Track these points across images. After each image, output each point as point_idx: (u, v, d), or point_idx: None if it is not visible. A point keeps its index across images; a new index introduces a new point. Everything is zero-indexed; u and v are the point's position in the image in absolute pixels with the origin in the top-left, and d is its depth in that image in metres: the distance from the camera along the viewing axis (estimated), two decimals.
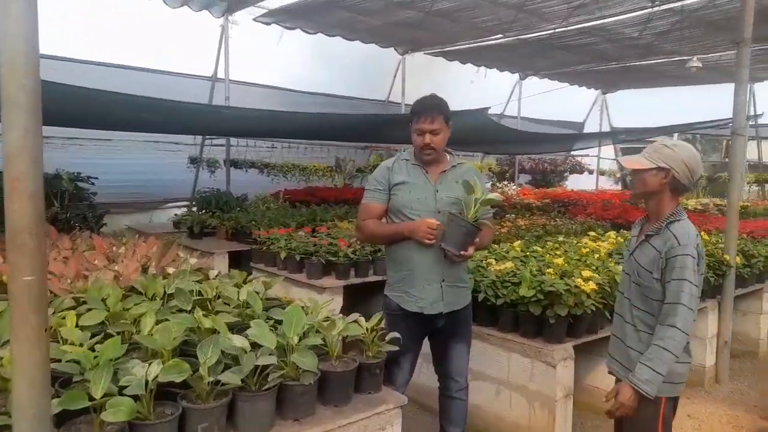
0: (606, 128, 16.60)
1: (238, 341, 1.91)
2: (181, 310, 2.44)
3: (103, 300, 2.44)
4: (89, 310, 2.24)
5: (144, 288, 2.67)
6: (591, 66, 12.94)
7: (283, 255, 4.96)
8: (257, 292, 2.67)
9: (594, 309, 2.99)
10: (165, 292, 2.54)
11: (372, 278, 4.88)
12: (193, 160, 10.11)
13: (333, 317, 2.28)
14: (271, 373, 1.86)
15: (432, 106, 2.57)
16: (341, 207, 8.27)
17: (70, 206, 6.47)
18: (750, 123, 13.41)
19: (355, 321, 2.24)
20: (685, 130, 14.39)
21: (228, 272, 3.68)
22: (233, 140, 10.34)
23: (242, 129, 8.08)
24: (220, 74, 9.93)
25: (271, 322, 2.24)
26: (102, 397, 1.55)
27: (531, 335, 3.06)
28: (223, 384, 1.76)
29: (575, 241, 4.56)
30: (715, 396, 3.96)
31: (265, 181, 10.96)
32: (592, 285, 2.96)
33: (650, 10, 8.80)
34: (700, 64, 11.19)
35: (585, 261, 3.55)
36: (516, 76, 14.46)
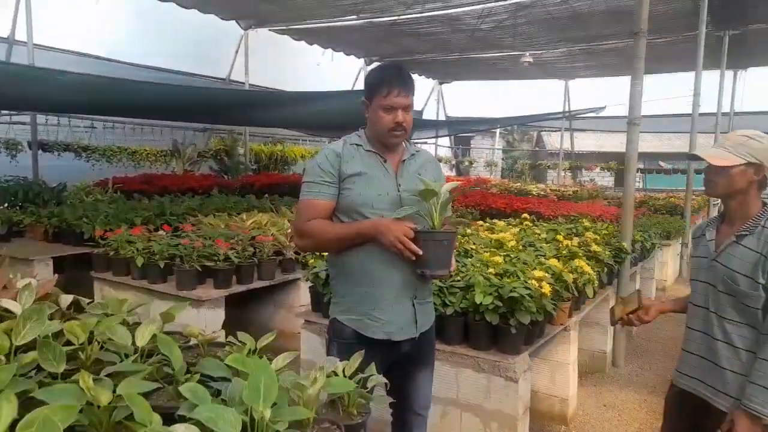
0: (442, 117, 17.26)
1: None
2: (52, 377, 1.58)
3: None
4: None
5: None
6: (433, 56, 13.20)
7: (140, 262, 3.97)
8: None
9: (552, 312, 2.72)
10: (12, 345, 1.63)
11: (257, 284, 4.14)
12: None
13: (314, 373, 1.63)
14: None
15: (407, 78, 2.02)
16: (192, 198, 7.19)
17: None
18: (564, 116, 14.94)
19: (334, 371, 1.62)
20: (523, 122, 15.56)
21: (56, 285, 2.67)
22: (41, 117, 8.47)
23: (53, 99, 6.27)
24: (20, 35, 8.01)
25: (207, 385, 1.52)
26: None
27: (484, 347, 2.69)
28: None
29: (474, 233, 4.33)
30: (619, 380, 4.05)
31: (84, 168, 9.23)
32: (547, 286, 2.69)
33: (493, 4, 9.13)
34: (532, 60, 12.06)
35: (513, 258, 3.29)
36: (361, 61, 14.22)
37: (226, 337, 2.02)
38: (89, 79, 5.72)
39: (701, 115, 7.53)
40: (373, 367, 1.72)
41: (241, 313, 4.49)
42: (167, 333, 2.07)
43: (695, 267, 1.97)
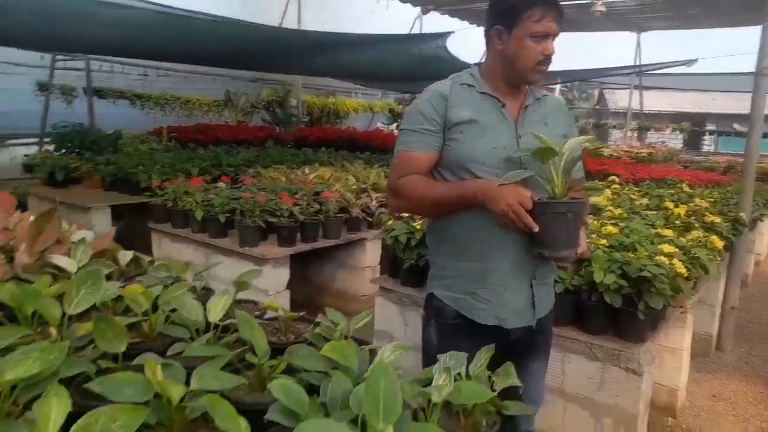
0: None
1: None
2: (111, 357, 1.28)
3: None
4: None
5: (16, 303, 1.43)
6: None
7: (199, 215, 3.70)
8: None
9: (683, 294, 2.28)
10: (64, 315, 1.34)
11: (322, 243, 3.83)
12: (42, 87, 7.95)
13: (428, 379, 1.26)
14: None
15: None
16: (247, 149, 6.92)
17: None
18: (635, 73, 13.88)
19: (470, 375, 1.25)
20: (589, 76, 14.59)
21: (111, 234, 2.35)
22: (95, 63, 8.28)
23: (106, 40, 5.85)
24: None
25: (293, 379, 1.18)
26: None
27: (598, 331, 2.28)
28: None
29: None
30: (726, 367, 3.58)
31: (138, 116, 9.09)
32: (680, 264, 2.24)
33: None
34: (605, 9, 11.08)
35: (624, 228, 2.82)
36: (417, 10, 13.46)
37: (291, 298, 1.72)
38: (142, 13, 5.40)
39: None
40: (485, 352, 1.35)
41: (302, 271, 4.22)
42: (239, 302, 1.77)
43: None
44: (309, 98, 12.19)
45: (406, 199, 1.67)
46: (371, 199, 4.26)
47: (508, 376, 1.29)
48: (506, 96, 1.66)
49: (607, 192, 3.92)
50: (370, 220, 4.16)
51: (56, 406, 0.96)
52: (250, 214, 3.54)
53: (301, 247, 3.66)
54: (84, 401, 0.99)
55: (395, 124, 13.40)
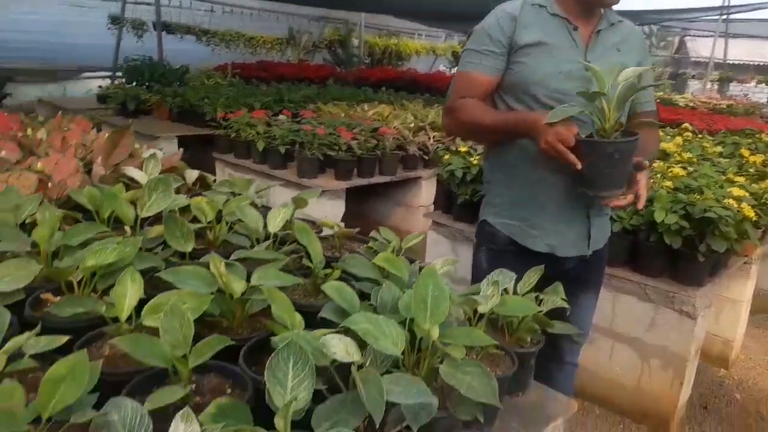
0: None
1: (338, 346, 0.91)
2: (179, 256, 1.38)
3: (21, 226, 1.35)
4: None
5: (95, 205, 1.55)
6: None
7: (260, 146, 3.81)
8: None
9: (750, 240, 2.19)
10: (137, 217, 1.44)
11: (378, 179, 3.87)
12: (115, 20, 8.21)
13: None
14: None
15: None
16: (308, 86, 6.96)
17: None
18: (719, 17, 12.79)
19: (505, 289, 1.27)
20: (667, 19, 13.62)
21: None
22: None
23: None
24: None
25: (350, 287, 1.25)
26: None
27: (654, 273, 2.24)
28: None
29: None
30: None
31: (203, 53, 9.28)
32: (749, 208, 2.14)
33: None
34: None
35: (693, 172, 2.70)
36: None
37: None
38: None
39: None
40: (534, 272, 1.37)
41: (357, 206, 4.30)
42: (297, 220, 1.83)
43: None
44: (371, 39, 12.02)
45: (459, 122, 1.65)
46: (429, 138, 4.24)
47: (557, 294, 1.30)
48: (578, 19, 1.59)
49: (678, 139, 3.73)
50: (427, 158, 4.16)
51: (131, 287, 1.06)
52: (310, 146, 3.61)
53: (357, 181, 3.72)
54: (153, 293, 1.09)
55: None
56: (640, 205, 1.47)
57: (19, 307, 1.08)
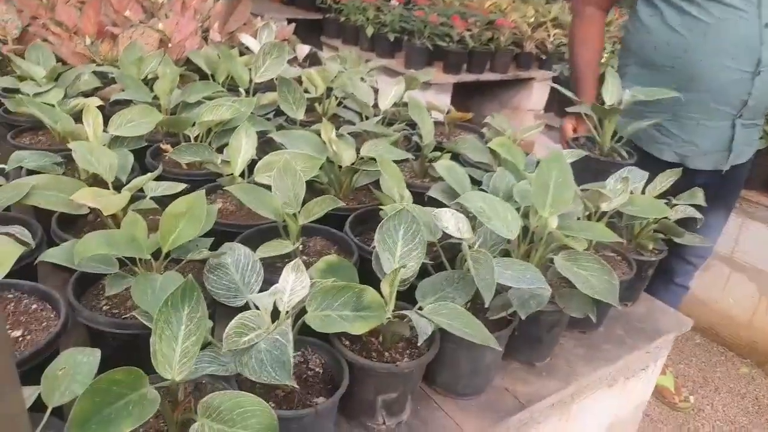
0: None
1: (450, 221, 0.86)
2: (290, 122, 1.37)
3: (143, 81, 1.38)
4: (125, 104, 1.19)
5: (211, 68, 1.56)
6: None
7: (369, 31, 3.68)
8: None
9: None
10: (251, 81, 1.43)
11: (488, 76, 3.65)
12: None
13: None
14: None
15: None
16: None
17: None
18: None
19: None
20: None
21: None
22: None
23: None
24: None
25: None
26: None
27: None
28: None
29: None
30: None
31: None
32: None
33: None
34: None
35: None
36: None
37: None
38: None
39: None
40: (669, 174, 1.24)
41: (462, 103, 4.13)
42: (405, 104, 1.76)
43: None
44: None
45: (571, 43, 1.63)
46: (548, 35, 3.89)
47: (693, 198, 1.16)
48: None
49: None
50: (544, 58, 3.84)
51: (245, 142, 1.05)
52: (420, 34, 3.43)
53: (466, 76, 3.53)
54: (264, 154, 1.08)
55: None
56: None
57: (141, 156, 1.12)
